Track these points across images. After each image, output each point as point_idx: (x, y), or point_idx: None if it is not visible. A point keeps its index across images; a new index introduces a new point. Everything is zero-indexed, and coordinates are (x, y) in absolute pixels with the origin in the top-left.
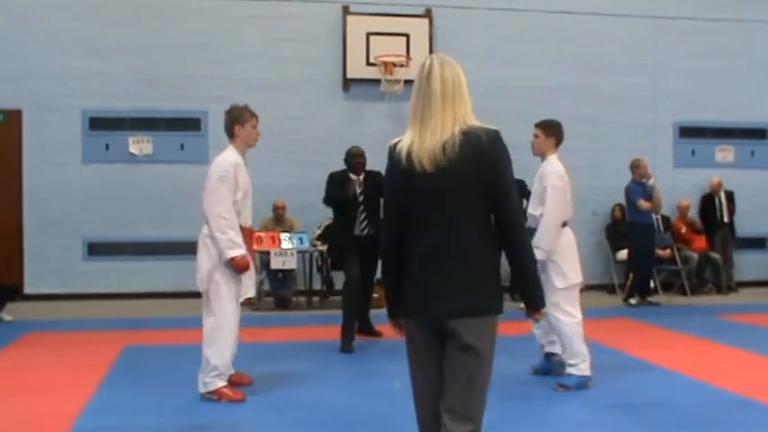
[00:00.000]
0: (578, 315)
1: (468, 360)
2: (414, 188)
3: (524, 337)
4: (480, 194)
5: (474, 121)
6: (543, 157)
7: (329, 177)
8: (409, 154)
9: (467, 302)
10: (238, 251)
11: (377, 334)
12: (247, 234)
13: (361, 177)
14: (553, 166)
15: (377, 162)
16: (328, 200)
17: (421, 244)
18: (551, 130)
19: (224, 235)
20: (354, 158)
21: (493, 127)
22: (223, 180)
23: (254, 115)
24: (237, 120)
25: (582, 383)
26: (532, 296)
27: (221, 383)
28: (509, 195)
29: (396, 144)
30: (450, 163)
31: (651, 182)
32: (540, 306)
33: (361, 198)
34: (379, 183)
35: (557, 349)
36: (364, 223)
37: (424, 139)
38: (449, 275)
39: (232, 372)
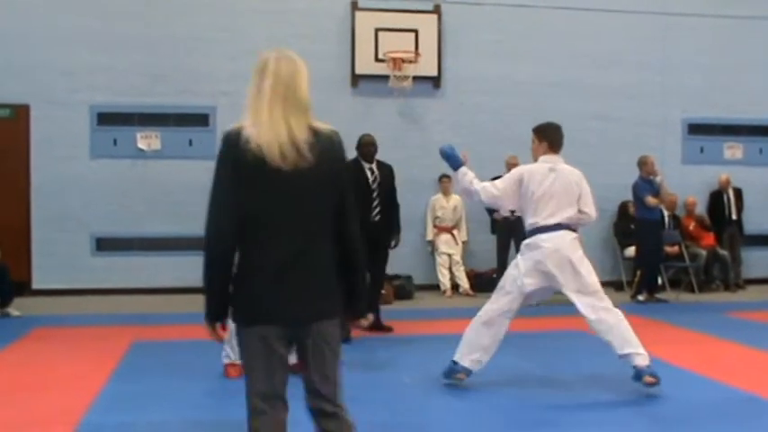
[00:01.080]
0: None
1: (329, 360)
2: (267, 187)
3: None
4: (331, 198)
5: (318, 123)
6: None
7: None
8: (260, 148)
9: (326, 306)
10: None
11: (387, 329)
12: None
13: (374, 166)
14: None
15: (386, 159)
16: None
17: (276, 247)
18: (541, 134)
19: None
20: (366, 147)
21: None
22: None
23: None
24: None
25: None
26: (361, 303)
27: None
28: (350, 197)
29: (236, 133)
30: (307, 163)
31: (658, 179)
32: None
33: (375, 186)
34: (391, 173)
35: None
36: (376, 210)
37: (272, 135)
38: (309, 280)
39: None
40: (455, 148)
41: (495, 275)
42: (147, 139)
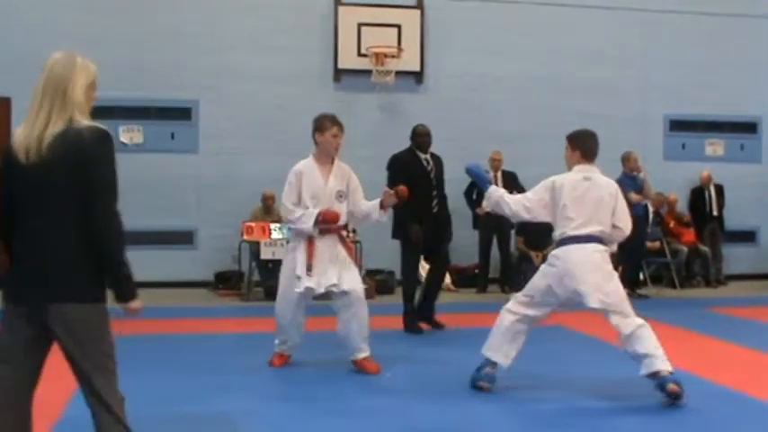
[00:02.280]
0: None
1: (79, 346)
2: (16, 178)
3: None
4: (73, 189)
5: (84, 121)
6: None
7: (394, 159)
8: (16, 143)
9: (67, 289)
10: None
11: (439, 325)
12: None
13: (429, 156)
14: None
15: (368, 154)
16: (395, 183)
17: (23, 234)
18: (574, 142)
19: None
20: (420, 137)
21: (104, 127)
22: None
23: (335, 124)
24: (316, 128)
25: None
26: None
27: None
28: (104, 194)
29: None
30: (48, 157)
31: (642, 175)
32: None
33: (432, 176)
34: (442, 164)
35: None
36: (435, 201)
37: (29, 131)
38: (47, 264)
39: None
40: (480, 165)
41: (477, 271)
42: (130, 133)
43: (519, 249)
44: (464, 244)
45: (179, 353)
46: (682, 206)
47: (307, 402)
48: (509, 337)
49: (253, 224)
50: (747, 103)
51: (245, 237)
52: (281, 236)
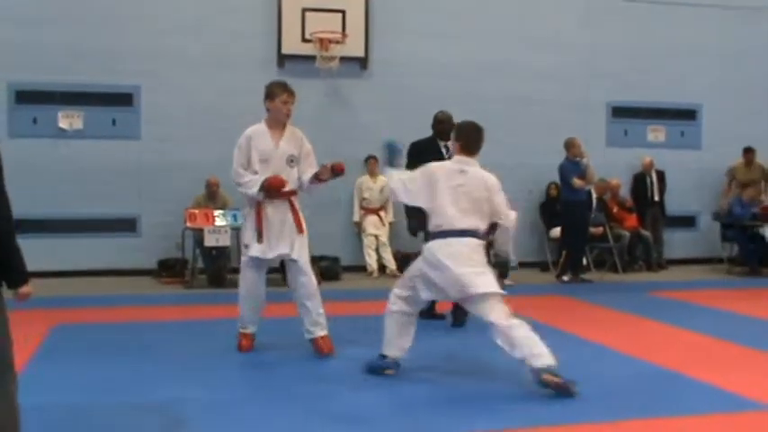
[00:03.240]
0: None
1: None
2: None
3: None
4: None
5: None
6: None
7: (411, 146)
8: None
9: None
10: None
11: (439, 316)
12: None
13: (449, 144)
14: None
15: (312, 140)
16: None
17: None
18: (457, 133)
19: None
20: (439, 124)
21: None
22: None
23: (285, 90)
24: (267, 95)
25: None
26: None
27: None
28: None
29: None
30: None
31: (585, 160)
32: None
33: None
34: None
35: None
36: None
37: None
38: None
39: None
40: (398, 144)
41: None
42: (69, 119)
43: None
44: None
45: (121, 341)
46: (624, 192)
47: (252, 389)
48: (398, 332)
49: (196, 211)
50: (687, 90)
51: (189, 224)
52: (224, 222)
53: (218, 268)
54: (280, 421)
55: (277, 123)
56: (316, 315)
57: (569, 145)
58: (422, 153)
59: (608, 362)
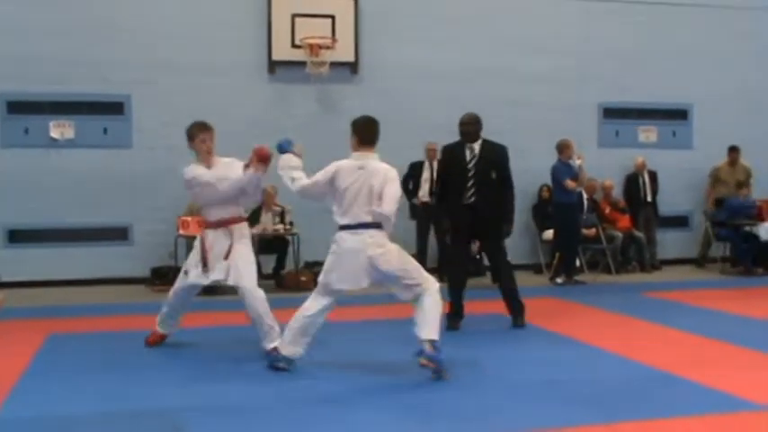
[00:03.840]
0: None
1: None
2: None
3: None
4: None
5: None
6: None
7: (443, 149)
8: None
9: None
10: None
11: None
12: None
13: (476, 145)
14: None
15: (303, 145)
16: (439, 174)
17: None
18: (354, 127)
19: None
20: (461, 126)
21: None
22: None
23: (203, 130)
24: (188, 137)
25: None
26: None
27: None
28: None
29: None
30: None
31: (579, 162)
32: None
33: (471, 166)
34: (494, 152)
35: None
36: (471, 191)
37: None
38: None
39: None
40: (292, 142)
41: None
42: (60, 128)
43: None
44: (401, 234)
45: (111, 350)
46: (617, 192)
47: (249, 396)
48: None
49: (189, 218)
50: (679, 90)
51: (181, 231)
52: None
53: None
54: (278, 429)
55: (204, 160)
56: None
57: (562, 147)
58: (446, 155)
59: (601, 363)
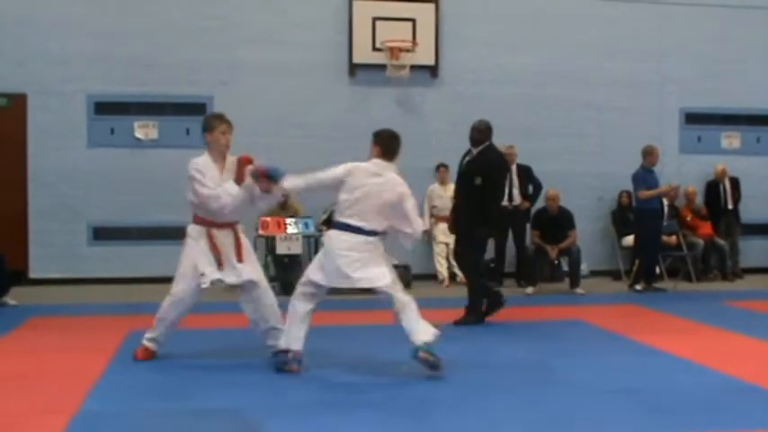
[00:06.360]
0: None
1: None
2: None
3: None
4: None
5: None
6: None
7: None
8: None
9: None
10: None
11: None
12: None
13: (475, 151)
14: None
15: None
16: None
17: None
18: (377, 138)
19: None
20: (470, 131)
21: None
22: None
23: (223, 122)
24: (205, 128)
25: None
26: None
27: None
28: None
29: None
30: None
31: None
32: None
33: (462, 170)
34: (486, 161)
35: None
36: (456, 194)
37: None
38: None
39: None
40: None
41: (492, 264)
42: (145, 129)
43: (534, 243)
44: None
45: (194, 347)
46: (699, 199)
47: (321, 395)
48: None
49: (268, 219)
50: (763, 95)
51: (261, 231)
52: (296, 230)
53: (289, 276)
54: (350, 428)
55: (218, 154)
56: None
57: (647, 153)
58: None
59: (680, 372)
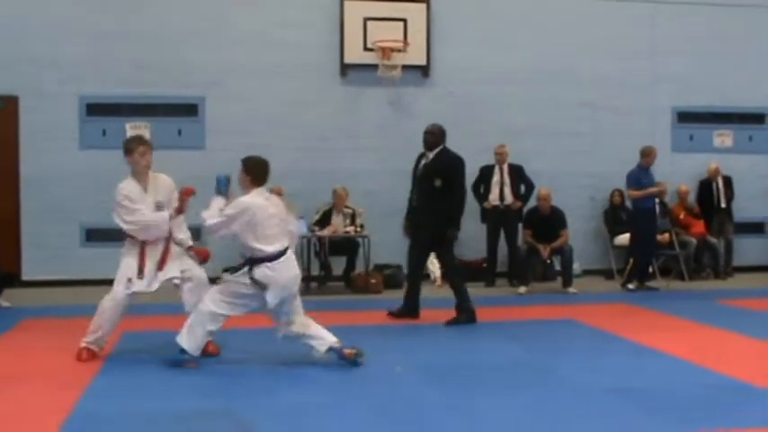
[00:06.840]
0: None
1: None
2: None
3: (521, 322)
4: None
5: None
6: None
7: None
8: None
9: None
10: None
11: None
12: None
13: (431, 154)
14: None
15: (375, 147)
16: None
17: None
18: (246, 166)
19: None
20: (423, 135)
21: None
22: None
23: (141, 143)
24: (125, 151)
25: None
26: None
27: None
28: None
29: None
30: None
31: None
32: None
33: (419, 173)
34: (443, 162)
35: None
36: (416, 196)
37: None
38: None
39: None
40: (226, 178)
41: (484, 264)
42: (137, 130)
43: (527, 243)
44: (471, 237)
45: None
46: (691, 198)
47: (331, 393)
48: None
49: None
50: (755, 93)
51: None
52: None
53: None
54: (344, 429)
55: (141, 175)
56: None
57: (645, 153)
58: (415, 163)
59: (676, 371)
